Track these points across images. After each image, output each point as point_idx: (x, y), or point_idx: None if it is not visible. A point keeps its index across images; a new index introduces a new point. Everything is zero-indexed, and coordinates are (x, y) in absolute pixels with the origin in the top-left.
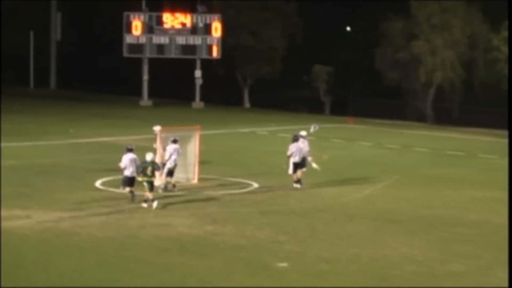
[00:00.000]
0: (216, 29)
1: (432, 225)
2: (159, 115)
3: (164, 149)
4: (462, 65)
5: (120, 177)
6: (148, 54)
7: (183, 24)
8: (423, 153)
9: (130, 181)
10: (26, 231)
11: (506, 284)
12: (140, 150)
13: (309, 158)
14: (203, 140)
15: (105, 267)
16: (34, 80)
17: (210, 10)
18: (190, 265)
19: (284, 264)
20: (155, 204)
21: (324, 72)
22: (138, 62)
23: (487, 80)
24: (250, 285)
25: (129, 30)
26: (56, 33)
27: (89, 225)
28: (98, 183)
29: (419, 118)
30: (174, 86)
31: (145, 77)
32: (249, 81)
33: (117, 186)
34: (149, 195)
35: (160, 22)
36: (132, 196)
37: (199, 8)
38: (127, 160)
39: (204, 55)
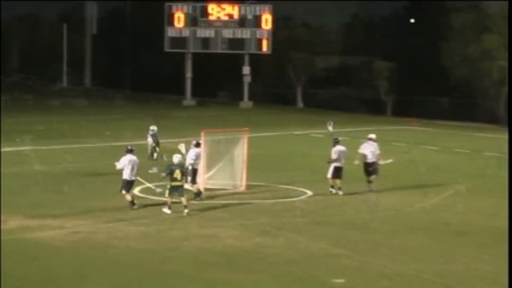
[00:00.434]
0: (266, 21)
1: (505, 238)
2: (204, 115)
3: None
4: None
5: (161, 183)
6: (191, 48)
7: (230, 16)
8: (495, 158)
9: (129, 185)
10: (59, 242)
11: None
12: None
13: (380, 162)
14: (251, 144)
15: (145, 283)
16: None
17: (260, 1)
18: (238, 281)
19: (341, 280)
20: (186, 211)
21: (386, 68)
22: (180, 57)
23: None
24: None
25: (171, 23)
26: (92, 26)
27: (127, 236)
28: (137, 190)
29: (491, 119)
30: (219, 83)
31: (189, 74)
32: (303, 78)
33: (157, 194)
34: (183, 199)
35: (205, 13)
36: (132, 202)
37: None
38: (125, 161)
39: (253, 50)
